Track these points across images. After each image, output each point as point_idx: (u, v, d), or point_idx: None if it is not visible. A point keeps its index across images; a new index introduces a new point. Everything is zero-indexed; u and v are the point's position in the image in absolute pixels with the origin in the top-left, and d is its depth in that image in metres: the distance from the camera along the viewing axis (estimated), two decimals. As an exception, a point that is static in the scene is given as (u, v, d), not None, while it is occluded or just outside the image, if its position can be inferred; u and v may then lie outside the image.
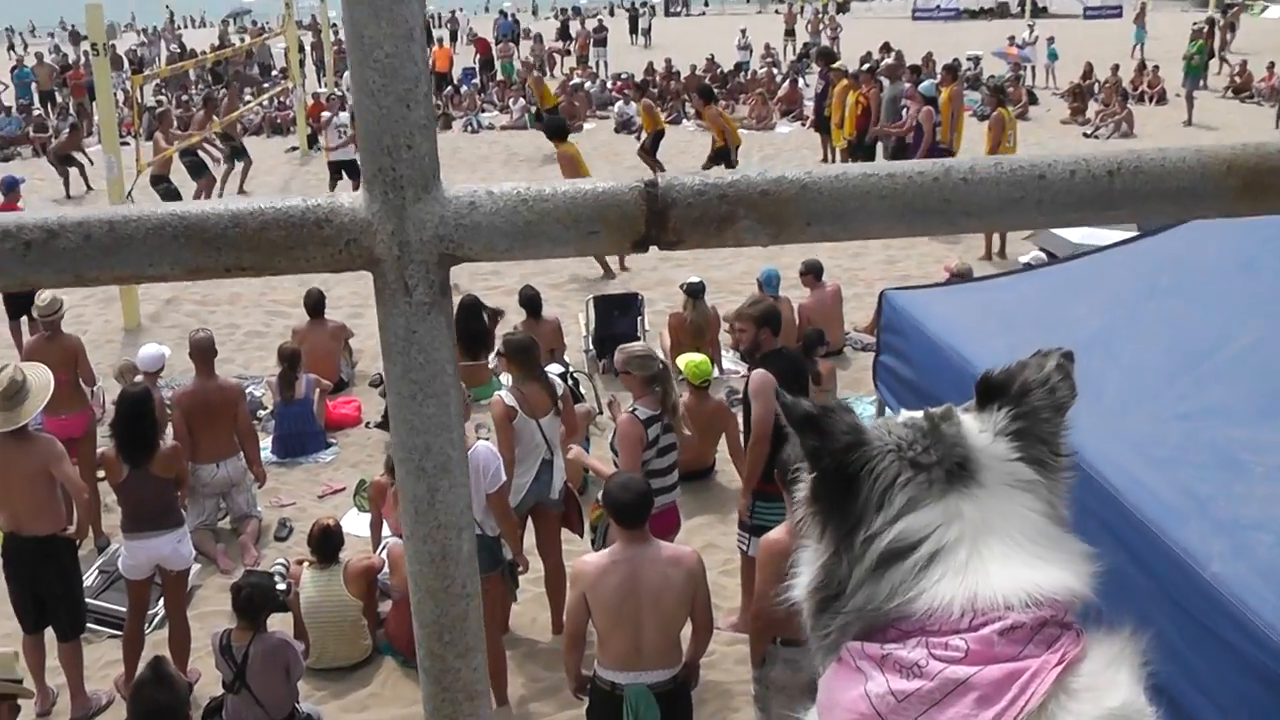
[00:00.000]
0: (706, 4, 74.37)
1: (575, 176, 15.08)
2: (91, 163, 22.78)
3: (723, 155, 18.51)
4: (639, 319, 12.56)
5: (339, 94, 24.53)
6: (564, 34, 43.44)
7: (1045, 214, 1.02)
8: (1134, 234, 7.60)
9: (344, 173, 19.66)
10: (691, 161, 22.51)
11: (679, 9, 68.64)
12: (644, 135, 21.47)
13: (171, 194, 17.36)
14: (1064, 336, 4.84)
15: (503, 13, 48.75)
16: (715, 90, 28.59)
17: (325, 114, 20.86)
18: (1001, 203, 1.00)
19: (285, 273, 1.00)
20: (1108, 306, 5.17)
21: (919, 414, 1.29)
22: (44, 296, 11.19)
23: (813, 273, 12.32)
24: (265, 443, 10.58)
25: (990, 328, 5.15)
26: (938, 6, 57.82)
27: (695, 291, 11.54)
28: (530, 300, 11.34)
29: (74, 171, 22.85)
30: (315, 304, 11.86)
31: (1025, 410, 1.26)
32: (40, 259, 0.98)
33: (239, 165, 21.86)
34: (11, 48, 49.53)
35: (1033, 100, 28.14)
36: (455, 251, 0.98)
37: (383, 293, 0.98)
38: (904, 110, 18.68)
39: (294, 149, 25.04)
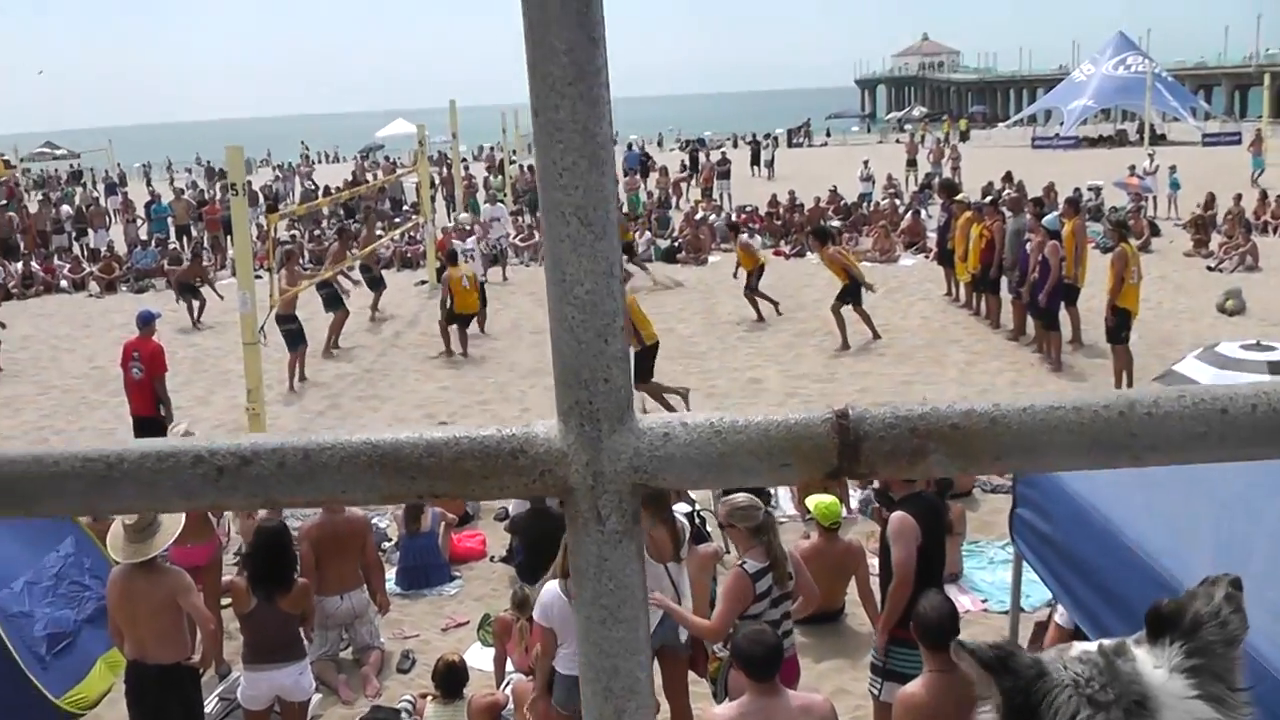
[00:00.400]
0: (828, 134, 74.96)
1: (630, 326, 15.12)
2: (221, 297, 23.63)
3: (852, 292, 18.57)
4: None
5: (465, 226, 25.10)
6: (691, 166, 43.95)
7: (1229, 449, 1.00)
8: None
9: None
10: (815, 295, 22.49)
11: (801, 140, 69.17)
12: (742, 274, 21.60)
13: (295, 335, 17.58)
14: (1206, 494, 4.74)
15: (630, 145, 49.60)
16: (839, 222, 28.82)
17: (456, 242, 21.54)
18: (1185, 438, 0.99)
19: (480, 499, 1.02)
20: (1250, 463, 5.02)
21: (1093, 647, 1.27)
22: (179, 427, 11.51)
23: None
24: (390, 574, 10.63)
25: (1130, 484, 5.02)
26: (1056, 135, 57.81)
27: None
28: None
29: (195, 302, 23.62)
30: None
31: (1199, 645, 1.23)
32: (233, 484, 1.00)
33: (374, 294, 22.51)
34: (149, 183, 51.37)
35: (1155, 232, 27.68)
36: (649, 481, 0.99)
37: (575, 520, 1.00)
38: (1027, 244, 18.54)
39: (423, 282, 25.46)
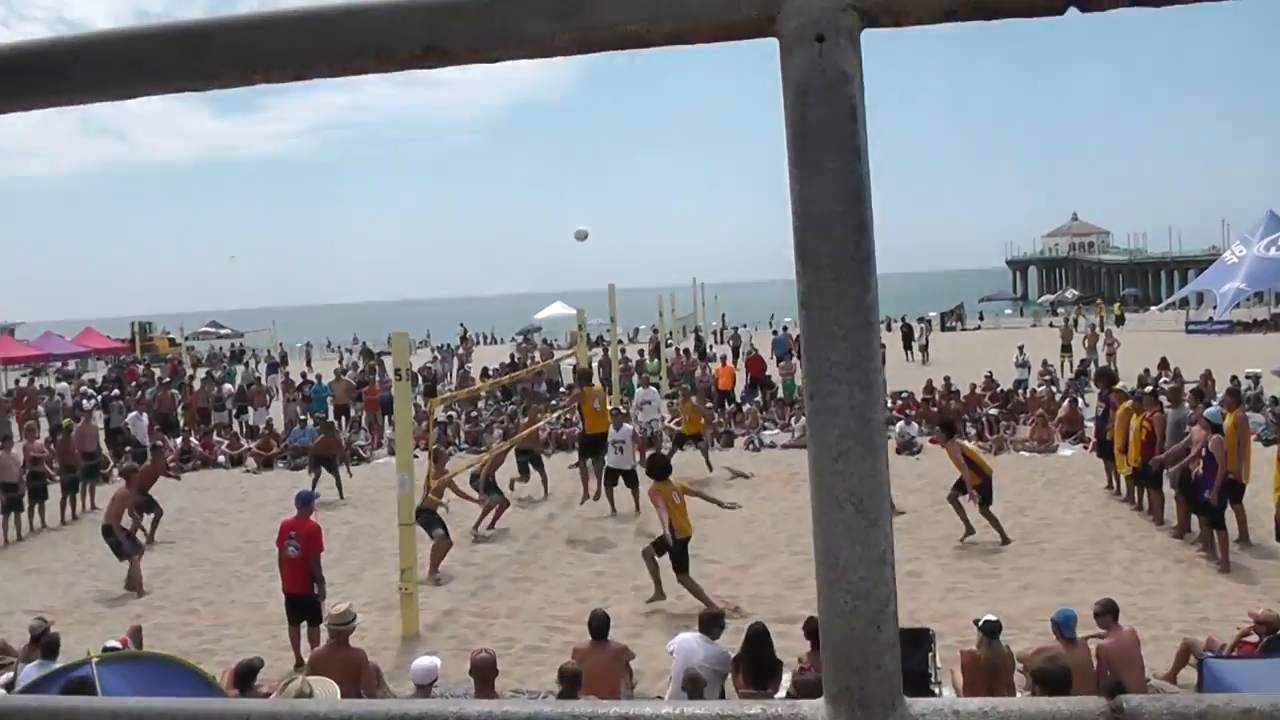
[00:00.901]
0: (981, 317, 74.59)
1: (667, 516, 15.19)
2: (350, 474, 24.73)
3: (984, 489, 18.18)
4: (930, 655, 12.10)
5: (623, 410, 25.30)
6: None
7: None
8: None
9: (621, 480, 20.69)
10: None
11: (954, 324, 68.89)
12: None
13: (434, 521, 17.49)
14: None
15: (779, 329, 49.82)
16: (996, 410, 28.42)
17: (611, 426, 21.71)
18: None
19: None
20: None
21: None
22: (339, 606, 11.63)
23: (1110, 613, 11.68)
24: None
25: None
26: (1210, 319, 56.73)
27: (992, 630, 11.01)
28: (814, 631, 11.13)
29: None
30: (600, 625, 11.77)
31: None
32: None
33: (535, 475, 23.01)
34: (309, 362, 52.91)
35: (1322, 423, 26.81)
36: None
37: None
38: (1187, 435, 18.01)
39: (577, 465, 25.54)
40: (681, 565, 15.15)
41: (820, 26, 0.95)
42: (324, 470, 24.14)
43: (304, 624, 13.75)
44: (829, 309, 0.94)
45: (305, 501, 14.41)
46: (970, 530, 18.11)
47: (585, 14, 0.97)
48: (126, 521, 18.33)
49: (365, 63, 1.02)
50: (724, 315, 63.87)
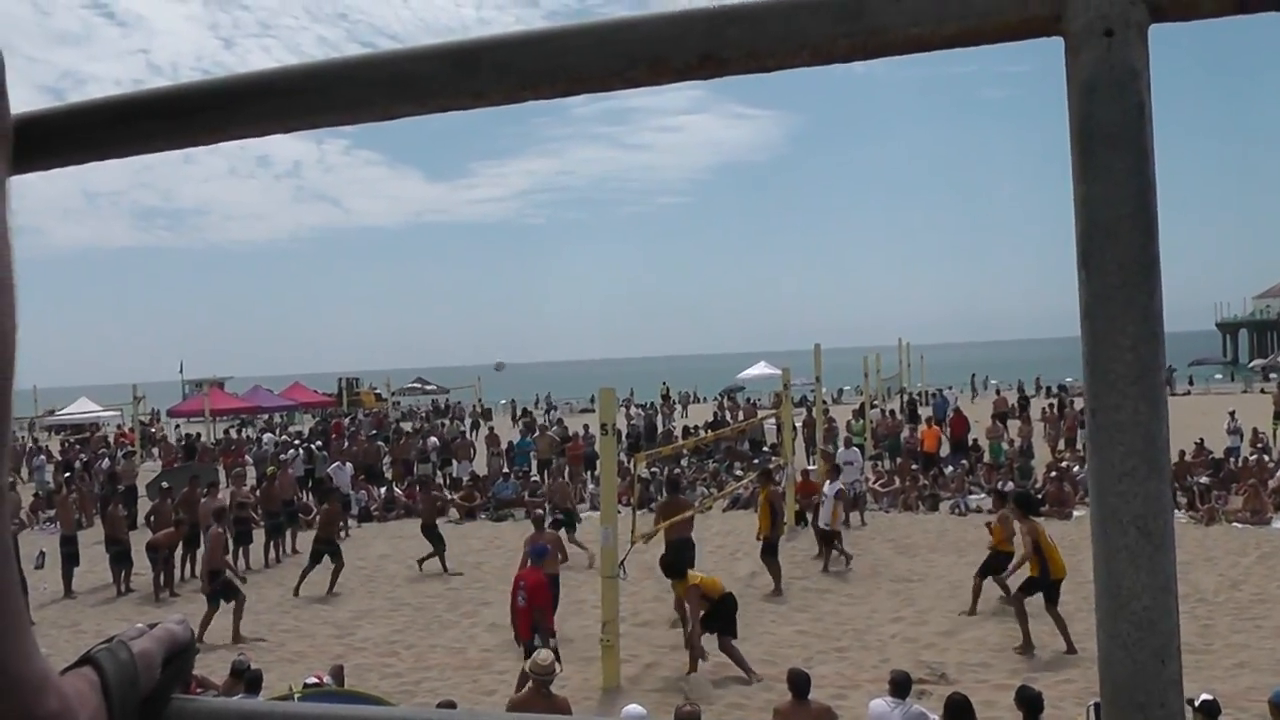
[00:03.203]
0: (1191, 382, 72.13)
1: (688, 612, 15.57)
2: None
3: (1037, 585, 16.30)
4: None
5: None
6: (1058, 412, 41.53)
7: None
8: None
9: (832, 542, 21.00)
10: (1184, 556, 21.49)
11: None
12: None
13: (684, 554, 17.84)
14: None
15: (939, 393, 49.32)
16: (1207, 478, 27.35)
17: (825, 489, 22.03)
18: None
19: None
20: None
21: None
22: (542, 655, 11.81)
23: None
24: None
25: None
26: None
27: (1211, 711, 10.62)
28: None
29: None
30: (801, 684, 11.63)
31: None
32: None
33: None
34: (516, 420, 53.82)
35: None
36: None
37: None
38: None
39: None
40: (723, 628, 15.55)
41: (1109, 21, 0.91)
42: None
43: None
44: (1115, 317, 0.90)
45: (539, 555, 15.27)
46: (1028, 643, 16.10)
47: (868, 17, 0.95)
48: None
49: (639, 74, 1.01)
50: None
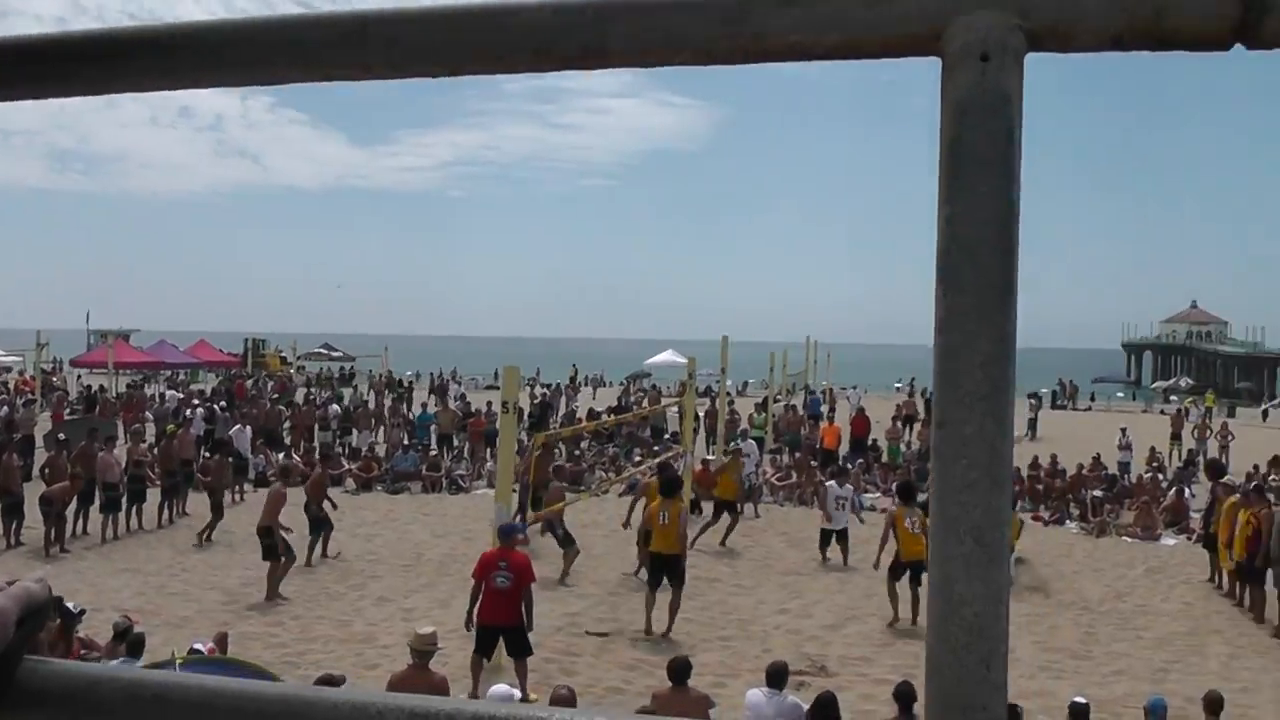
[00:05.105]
0: (1093, 398, 73.30)
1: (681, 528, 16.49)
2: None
3: (895, 566, 17.47)
4: (1022, 734, 11.97)
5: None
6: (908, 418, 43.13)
7: None
8: None
9: (834, 539, 21.40)
10: (1073, 566, 22.04)
11: (1065, 402, 67.78)
12: None
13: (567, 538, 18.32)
14: None
15: (808, 389, 50.09)
16: (1101, 492, 27.89)
17: (830, 484, 22.50)
18: None
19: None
20: None
21: None
22: (426, 628, 11.76)
23: (1213, 706, 11.51)
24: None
25: None
26: (1331, 420, 55.64)
27: (1080, 713, 10.97)
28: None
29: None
30: (680, 671, 11.59)
31: None
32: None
33: None
34: (433, 392, 53.47)
35: None
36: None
37: None
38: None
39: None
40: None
41: (986, 45, 0.93)
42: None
43: (487, 658, 13.90)
44: (969, 335, 0.92)
45: (510, 533, 14.47)
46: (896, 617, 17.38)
47: (750, 22, 0.96)
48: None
49: (521, 61, 1.01)
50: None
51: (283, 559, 18.47)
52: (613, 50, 0.99)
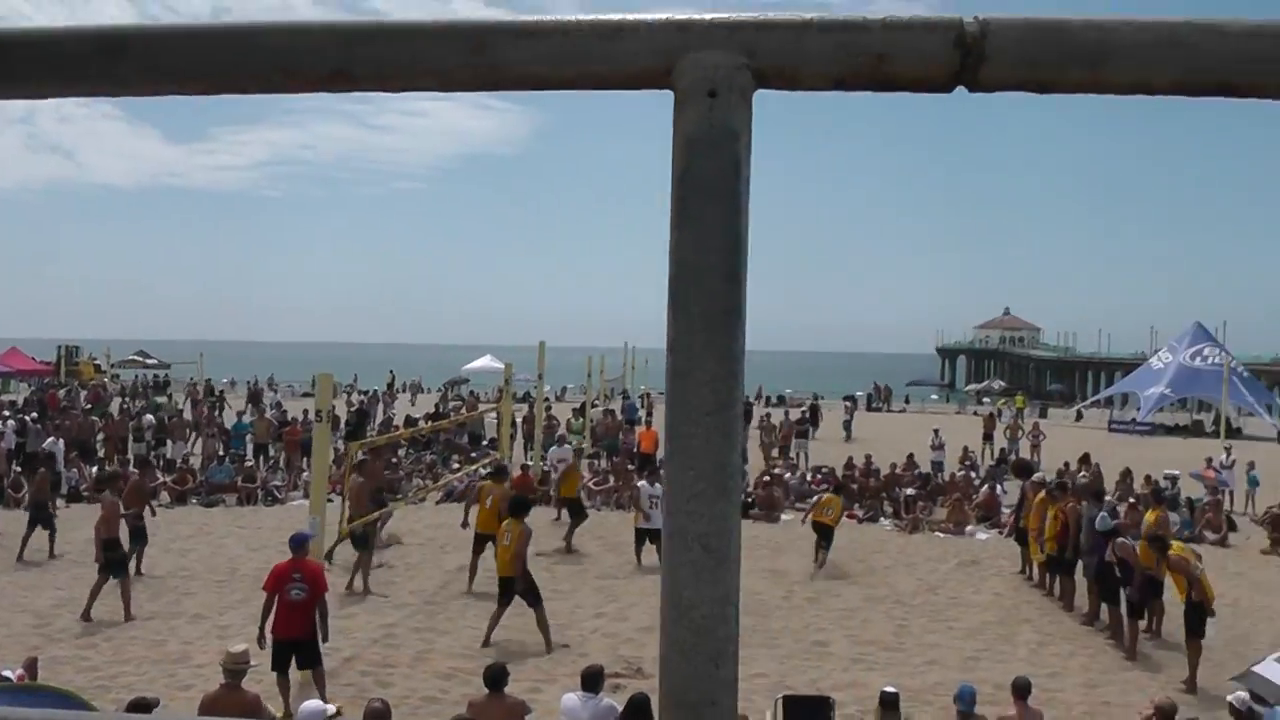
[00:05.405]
0: (907, 401, 75.06)
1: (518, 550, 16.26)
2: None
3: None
4: (829, 723, 12.19)
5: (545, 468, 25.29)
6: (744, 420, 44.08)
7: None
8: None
9: (648, 540, 21.30)
10: (886, 561, 22.54)
11: (880, 404, 69.41)
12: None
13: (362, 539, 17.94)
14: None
15: (625, 393, 50.47)
16: (914, 490, 28.63)
17: (642, 484, 22.51)
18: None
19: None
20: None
21: None
22: (237, 646, 11.49)
23: (1021, 691, 11.88)
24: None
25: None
26: (1133, 420, 57.82)
27: (890, 702, 11.26)
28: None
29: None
30: (495, 678, 11.51)
31: None
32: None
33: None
34: (254, 401, 52.03)
35: (1232, 527, 27.33)
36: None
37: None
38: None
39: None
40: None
41: (714, 83, 0.98)
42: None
43: (295, 671, 13.52)
44: (696, 356, 0.97)
45: (301, 543, 14.10)
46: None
47: (489, 53, 1.00)
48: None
49: (274, 82, 1.03)
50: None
51: (129, 574, 17.97)
52: (359, 75, 1.02)
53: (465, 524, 22.52)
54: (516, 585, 16.34)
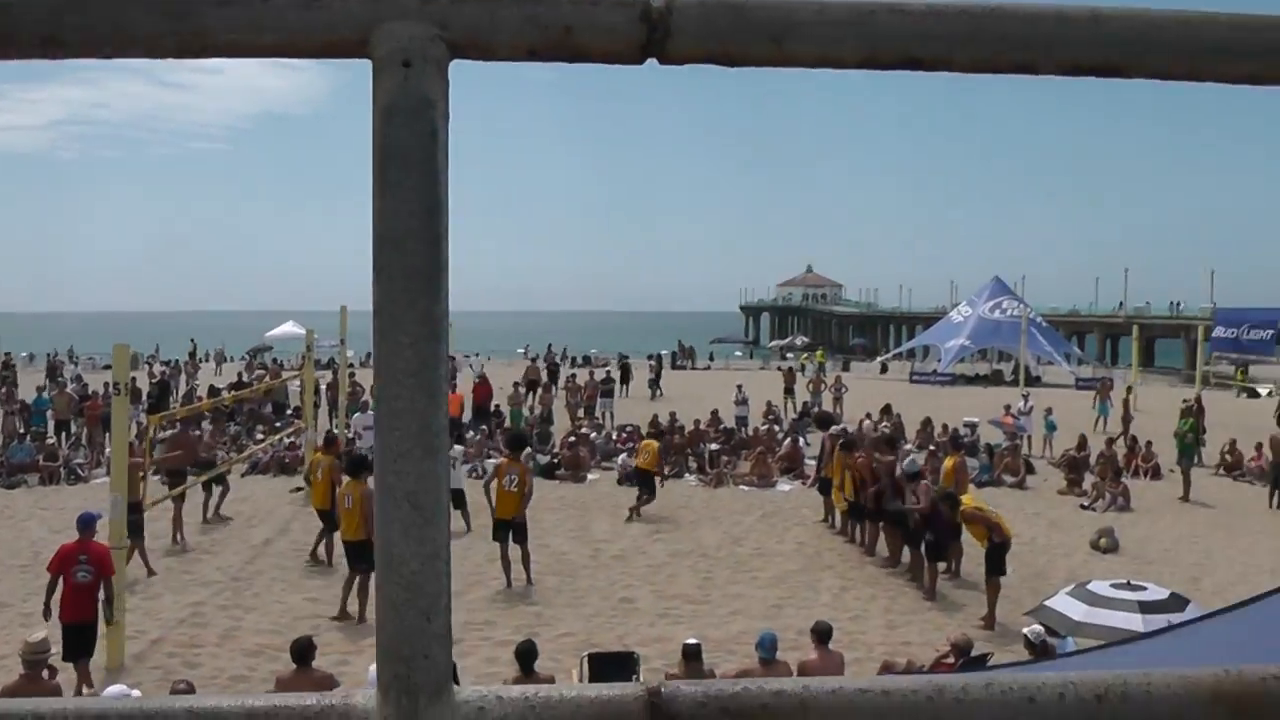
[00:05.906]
0: (711, 358, 75.98)
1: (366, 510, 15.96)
2: None
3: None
4: (634, 678, 12.33)
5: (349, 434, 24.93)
6: (550, 379, 44.80)
7: (1034, 737, 1.05)
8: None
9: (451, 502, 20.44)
10: (691, 517, 22.82)
11: (684, 362, 70.14)
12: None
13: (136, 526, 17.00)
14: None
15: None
16: (718, 445, 29.06)
17: None
18: (991, 726, 1.03)
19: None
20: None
21: None
22: (36, 635, 11.09)
23: (820, 635, 12.19)
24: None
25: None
26: (934, 371, 59.40)
27: (693, 654, 11.46)
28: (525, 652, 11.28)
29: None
30: (302, 652, 11.29)
31: None
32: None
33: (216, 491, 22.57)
34: (52, 375, 49.93)
35: (1030, 470, 28.50)
36: (464, 754, 1.01)
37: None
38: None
39: (299, 489, 24.44)
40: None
41: (408, 53, 1.00)
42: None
43: (75, 661, 12.95)
44: (398, 319, 0.99)
45: (89, 523, 13.60)
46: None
47: (191, 19, 1.00)
48: None
49: (-3, 48, 1.02)
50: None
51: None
52: (70, 41, 1.01)
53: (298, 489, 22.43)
54: (365, 549, 15.70)
